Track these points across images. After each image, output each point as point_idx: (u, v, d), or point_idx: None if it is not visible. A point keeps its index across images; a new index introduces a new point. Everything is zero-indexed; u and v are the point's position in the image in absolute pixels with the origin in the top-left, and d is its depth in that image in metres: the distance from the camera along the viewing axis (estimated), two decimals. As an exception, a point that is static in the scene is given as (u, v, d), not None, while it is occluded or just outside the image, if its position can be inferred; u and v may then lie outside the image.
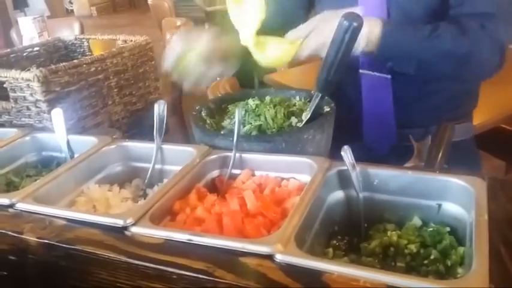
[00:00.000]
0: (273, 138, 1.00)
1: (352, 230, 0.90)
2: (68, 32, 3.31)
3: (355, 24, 0.91)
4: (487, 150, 2.36)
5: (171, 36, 2.84)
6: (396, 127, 1.27)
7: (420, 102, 1.25)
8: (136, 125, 1.56)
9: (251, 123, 1.06)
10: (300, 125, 1.05)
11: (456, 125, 1.22)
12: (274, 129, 1.05)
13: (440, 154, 1.01)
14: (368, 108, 1.28)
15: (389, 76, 1.20)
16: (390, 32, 1.05)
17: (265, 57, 1.07)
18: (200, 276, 0.68)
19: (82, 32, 3.48)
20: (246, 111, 1.09)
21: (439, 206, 0.87)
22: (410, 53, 1.08)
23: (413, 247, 0.81)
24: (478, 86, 1.33)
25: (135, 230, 0.80)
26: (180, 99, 3.12)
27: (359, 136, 1.30)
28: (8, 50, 1.67)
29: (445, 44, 1.06)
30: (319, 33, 1.04)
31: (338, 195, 0.93)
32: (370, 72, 1.23)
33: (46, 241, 0.81)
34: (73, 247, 0.79)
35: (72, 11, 10.14)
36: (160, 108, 1.10)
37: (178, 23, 3.22)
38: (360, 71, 1.24)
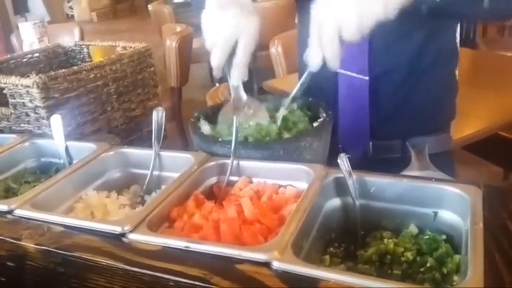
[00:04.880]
0: (271, 145, 1.01)
1: (349, 237, 0.91)
2: (68, 37, 3.32)
3: None
4: (485, 157, 2.38)
5: (171, 43, 2.85)
6: (372, 137, 1.26)
7: (397, 111, 1.24)
8: (135, 131, 1.56)
9: (249, 130, 1.06)
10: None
11: (434, 137, 1.24)
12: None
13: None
14: (344, 108, 1.27)
15: (367, 78, 1.19)
16: None
17: None
18: (196, 283, 0.69)
19: (82, 37, 3.49)
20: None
21: (435, 213, 0.88)
22: None
23: (409, 255, 0.81)
24: (454, 96, 1.33)
25: (132, 236, 0.81)
26: (180, 106, 3.13)
27: (335, 138, 1.26)
28: (8, 56, 1.67)
29: None
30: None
31: (335, 202, 0.93)
32: (349, 73, 1.21)
33: (44, 248, 0.81)
34: (71, 254, 0.79)
35: (72, 16, 10.15)
36: (158, 115, 1.11)
37: (178, 29, 3.24)
38: (338, 70, 1.21)
